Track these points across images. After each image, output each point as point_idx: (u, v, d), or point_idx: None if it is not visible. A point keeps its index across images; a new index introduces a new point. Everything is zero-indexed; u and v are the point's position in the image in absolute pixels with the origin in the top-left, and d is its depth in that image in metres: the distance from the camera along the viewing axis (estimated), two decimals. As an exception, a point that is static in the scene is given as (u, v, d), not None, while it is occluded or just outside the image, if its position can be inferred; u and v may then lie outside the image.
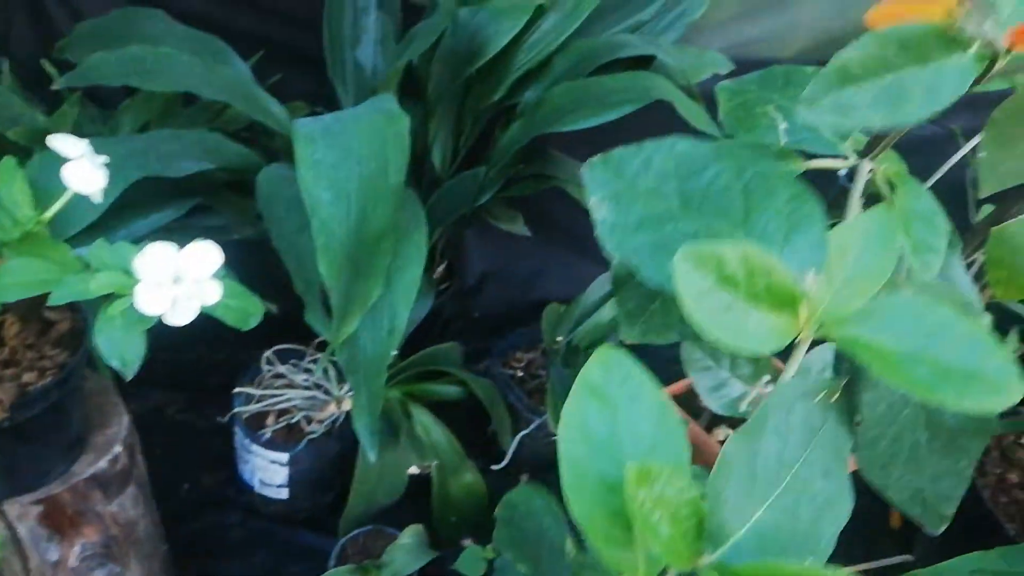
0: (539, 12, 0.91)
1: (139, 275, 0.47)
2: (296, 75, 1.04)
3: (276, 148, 0.97)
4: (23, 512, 0.66)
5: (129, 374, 0.51)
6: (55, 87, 0.85)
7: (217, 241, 1.01)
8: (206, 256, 0.48)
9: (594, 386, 0.29)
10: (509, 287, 1.23)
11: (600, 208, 0.38)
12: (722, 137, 0.72)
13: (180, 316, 0.48)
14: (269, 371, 0.93)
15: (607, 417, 0.29)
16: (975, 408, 0.27)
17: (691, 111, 0.77)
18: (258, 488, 0.92)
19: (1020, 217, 0.52)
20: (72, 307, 0.65)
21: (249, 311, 0.53)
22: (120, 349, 0.51)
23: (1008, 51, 0.31)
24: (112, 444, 0.70)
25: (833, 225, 0.35)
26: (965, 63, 0.28)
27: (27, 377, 0.61)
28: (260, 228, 0.99)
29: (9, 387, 0.59)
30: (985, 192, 0.52)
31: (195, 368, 1.09)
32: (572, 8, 0.89)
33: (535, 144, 0.91)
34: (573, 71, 0.91)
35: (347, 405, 0.90)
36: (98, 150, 0.78)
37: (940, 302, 0.31)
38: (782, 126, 0.48)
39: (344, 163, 0.68)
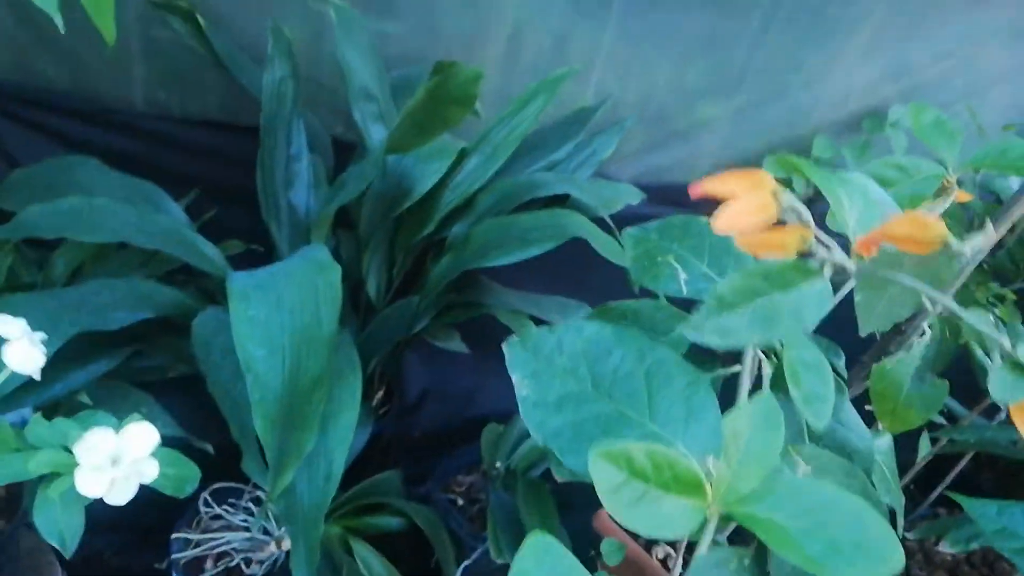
0: (462, 155, 0.97)
1: (78, 459, 0.48)
2: (230, 211, 1.07)
3: (211, 289, 0.99)
4: None
5: (68, 552, 0.51)
6: (-7, 239, 0.86)
7: (153, 380, 1.01)
8: (144, 437, 0.50)
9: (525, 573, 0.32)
10: (448, 404, 1.25)
11: (522, 386, 0.41)
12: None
13: (119, 496, 0.49)
14: (207, 512, 0.92)
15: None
16: (863, 578, 0.31)
17: (605, 246, 0.83)
18: (198, 638, 0.90)
19: (896, 356, 0.58)
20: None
21: (186, 477, 0.54)
22: (59, 527, 0.51)
23: (860, 257, 0.37)
24: (43, 611, 0.69)
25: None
26: (821, 288, 0.34)
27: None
28: (195, 365, 1.00)
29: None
30: (864, 331, 0.58)
31: (131, 509, 1.06)
32: (492, 151, 0.96)
33: (466, 274, 0.96)
34: (496, 207, 0.97)
35: (287, 544, 0.90)
36: (32, 305, 0.79)
37: (828, 474, 0.36)
38: (682, 276, 0.53)
39: (276, 316, 0.71)
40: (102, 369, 0.83)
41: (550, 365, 0.42)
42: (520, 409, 0.43)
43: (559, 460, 0.39)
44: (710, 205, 0.34)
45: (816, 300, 0.34)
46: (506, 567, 0.95)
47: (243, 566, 0.89)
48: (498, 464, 0.95)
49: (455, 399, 1.27)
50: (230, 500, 0.93)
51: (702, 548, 0.36)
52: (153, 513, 1.03)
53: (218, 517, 0.93)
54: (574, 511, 0.95)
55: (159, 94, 1.05)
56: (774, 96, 1.16)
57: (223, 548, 0.89)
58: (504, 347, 0.45)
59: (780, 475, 0.36)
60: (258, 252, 1.03)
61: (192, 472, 0.55)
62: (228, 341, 0.82)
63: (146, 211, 0.93)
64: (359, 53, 0.94)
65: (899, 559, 0.32)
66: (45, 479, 0.52)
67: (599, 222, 0.89)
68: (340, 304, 0.74)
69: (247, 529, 0.91)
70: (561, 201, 0.98)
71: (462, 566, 0.93)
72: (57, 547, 0.51)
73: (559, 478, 0.56)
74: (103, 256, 1.05)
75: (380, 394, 1.12)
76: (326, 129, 1.08)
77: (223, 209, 1.08)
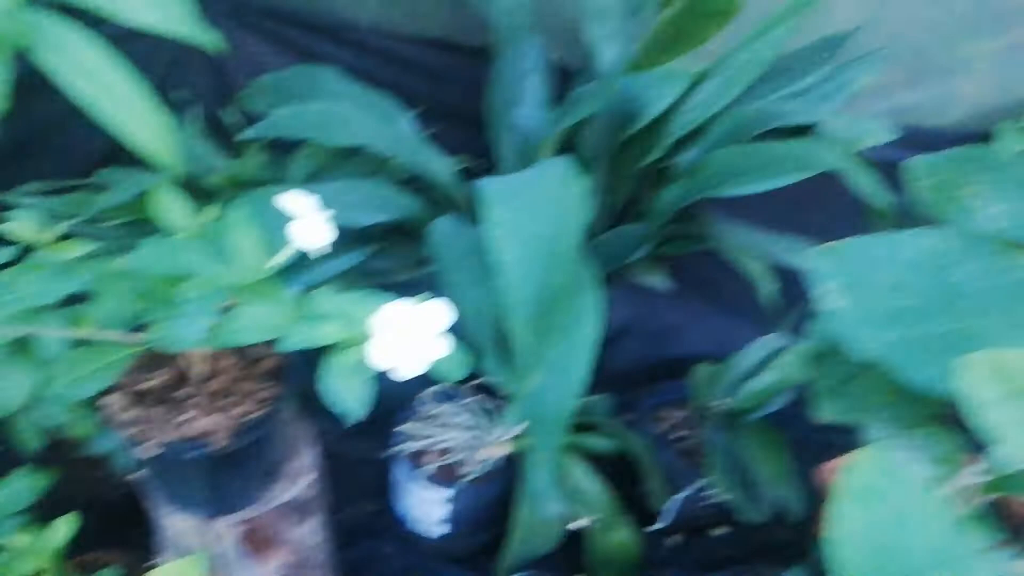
0: (699, 79, 0.93)
1: (373, 331, 0.52)
2: (449, 132, 1.11)
3: (436, 200, 1.03)
4: (228, 531, 0.72)
5: (351, 421, 0.55)
6: (241, 138, 0.93)
7: (382, 284, 1.07)
8: (437, 315, 0.52)
9: (872, 490, 0.30)
10: (647, 342, 1.24)
11: (837, 299, 0.39)
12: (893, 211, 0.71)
13: (405, 371, 0.52)
14: (427, 409, 0.98)
15: (890, 524, 0.29)
16: None
17: (865, 183, 0.77)
18: (414, 523, 0.97)
19: None
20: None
21: (461, 362, 0.57)
22: (344, 397, 0.56)
23: None
24: (305, 472, 0.76)
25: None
26: None
27: (242, 408, 0.67)
28: (420, 272, 1.05)
29: (227, 418, 0.66)
30: None
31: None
32: (730, 77, 0.91)
33: (692, 205, 0.94)
34: (731, 135, 0.93)
35: (505, 449, 0.94)
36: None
37: None
38: (990, 209, 0.48)
39: (527, 223, 0.73)
40: (345, 265, 0.89)
41: (870, 279, 0.40)
42: (829, 323, 0.41)
43: (898, 374, 0.36)
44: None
45: None
46: (718, 505, 0.93)
47: (463, 464, 0.94)
48: (713, 403, 0.93)
49: (654, 337, 1.26)
50: (449, 400, 0.98)
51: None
52: (376, 404, 1.12)
53: (435, 417, 0.98)
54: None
55: (391, 12, 1.09)
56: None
57: (444, 444, 0.95)
58: (807, 257, 0.43)
59: None
60: (476, 172, 1.05)
61: (465, 358, 0.57)
62: (465, 247, 0.86)
63: (382, 120, 0.97)
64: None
65: None
66: (331, 349, 0.57)
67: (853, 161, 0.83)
68: (585, 216, 0.75)
69: (466, 429, 0.95)
70: (801, 135, 0.92)
71: (679, 497, 0.93)
72: (339, 415, 0.55)
73: (821, 419, 0.54)
74: (338, 163, 1.12)
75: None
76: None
77: (443, 129, 1.11)
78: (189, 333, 0.54)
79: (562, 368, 0.72)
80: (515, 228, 0.72)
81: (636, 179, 1.04)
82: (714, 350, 1.28)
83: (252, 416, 0.66)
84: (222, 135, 1.05)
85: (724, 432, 0.88)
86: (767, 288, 0.86)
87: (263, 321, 0.59)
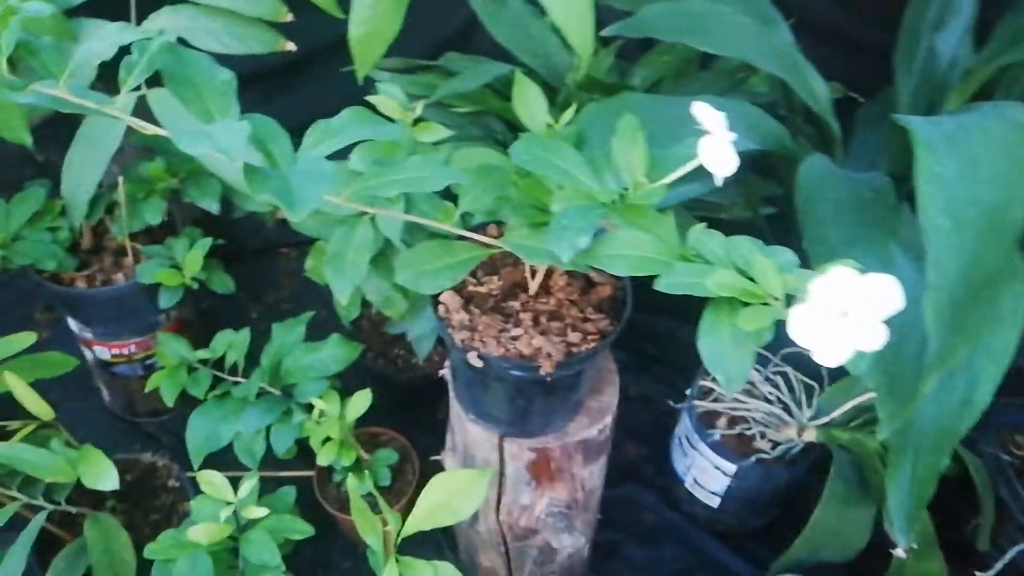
0: None
1: (810, 297, 0.40)
2: (824, 51, 0.92)
3: (802, 130, 0.87)
4: (518, 454, 0.67)
5: (732, 390, 0.45)
6: (606, 33, 0.82)
7: (712, 219, 0.94)
8: (888, 294, 0.39)
9: None
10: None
11: None
12: None
13: (830, 356, 0.40)
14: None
15: None
16: None
17: None
18: (688, 484, 0.87)
19: None
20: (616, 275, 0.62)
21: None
22: (726, 362, 0.45)
23: None
24: (605, 413, 0.68)
25: None
26: None
27: (571, 336, 0.59)
28: (758, 213, 0.91)
29: (558, 343, 0.58)
30: None
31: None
32: None
33: None
34: None
35: (809, 435, 0.80)
36: (647, 107, 0.75)
37: None
38: None
39: (965, 184, 0.56)
40: (692, 193, 0.77)
41: None
42: None
43: None
44: None
45: None
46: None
47: (757, 439, 0.82)
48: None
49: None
50: (755, 366, 0.85)
51: None
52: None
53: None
54: None
55: None
56: None
57: (741, 413, 0.83)
58: None
59: None
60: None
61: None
62: (841, 197, 0.70)
63: (762, 28, 0.81)
64: None
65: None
66: (722, 303, 0.46)
67: None
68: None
69: (770, 402, 0.83)
70: None
71: (1016, 549, 0.75)
72: (720, 381, 0.45)
73: None
74: (683, 74, 0.99)
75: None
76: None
77: (817, 47, 0.93)
78: (560, 249, 0.46)
79: (971, 375, 0.56)
80: (951, 185, 0.55)
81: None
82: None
83: (581, 349, 0.58)
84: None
85: None
86: None
87: (638, 251, 0.50)
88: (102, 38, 0.41)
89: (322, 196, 0.39)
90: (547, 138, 0.53)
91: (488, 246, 0.54)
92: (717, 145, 0.49)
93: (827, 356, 0.41)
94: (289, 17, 0.75)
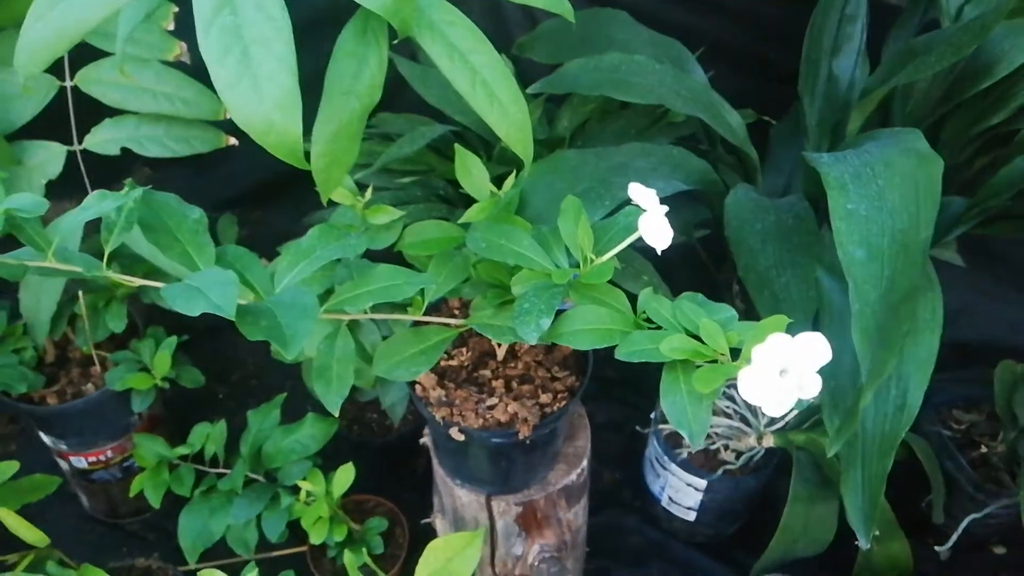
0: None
1: (751, 360, 0.45)
2: (732, 77, 0.99)
3: (717, 161, 0.93)
4: (505, 510, 0.71)
5: (697, 444, 0.50)
6: (531, 91, 0.86)
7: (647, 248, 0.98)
8: (817, 350, 0.44)
9: None
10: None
11: None
12: None
13: (774, 407, 0.45)
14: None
15: None
16: None
17: None
18: (664, 503, 0.92)
19: None
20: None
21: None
22: (688, 419, 0.49)
23: None
24: (581, 457, 0.73)
25: None
26: None
27: (543, 398, 0.63)
28: (692, 237, 0.97)
29: (531, 407, 0.62)
30: None
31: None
32: None
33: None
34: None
35: (768, 441, 0.86)
36: (582, 163, 0.79)
37: None
38: None
39: (875, 216, 0.62)
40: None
41: None
42: None
43: None
44: None
45: None
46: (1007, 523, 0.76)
47: (721, 451, 0.88)
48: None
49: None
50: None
51: None
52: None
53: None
54: None
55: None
56: None
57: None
58: None
59: None
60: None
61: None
62: (766, 227, 0.76)
63: (677, 72, 0.87)
64: None
65: None
66: (677, 365, 0.51)
67: None
68: (938, 204, 0.63)
69: (728, 416, 0.88)
70: None
71: (968, 518, 0.82)
72: (684, 434, 0.50)
73: None
74: (607, 114, 1.04)
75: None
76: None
77: (727, 74, 0.99)
78: (525, 332, 0.50)
79: (902, 383, 0.62)
80: (863, 219, 0.61)
81: (962, 146, 0.88)
82: (1006, 335, 1.12)
83: (554, 408, 0.62)
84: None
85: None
86: None
87: (596, 324, 0.54)
88: (86, 207, 0.44)
89: (310, 329, 0.42)
90: (499, 224, 0.57)
91: (457, 326, 0.58)
92: (654, 220, 0.53)
93: (775, 408, 0.46)
94: (229, 115, 0.77)
